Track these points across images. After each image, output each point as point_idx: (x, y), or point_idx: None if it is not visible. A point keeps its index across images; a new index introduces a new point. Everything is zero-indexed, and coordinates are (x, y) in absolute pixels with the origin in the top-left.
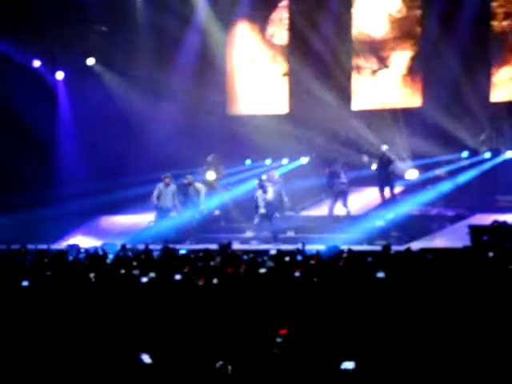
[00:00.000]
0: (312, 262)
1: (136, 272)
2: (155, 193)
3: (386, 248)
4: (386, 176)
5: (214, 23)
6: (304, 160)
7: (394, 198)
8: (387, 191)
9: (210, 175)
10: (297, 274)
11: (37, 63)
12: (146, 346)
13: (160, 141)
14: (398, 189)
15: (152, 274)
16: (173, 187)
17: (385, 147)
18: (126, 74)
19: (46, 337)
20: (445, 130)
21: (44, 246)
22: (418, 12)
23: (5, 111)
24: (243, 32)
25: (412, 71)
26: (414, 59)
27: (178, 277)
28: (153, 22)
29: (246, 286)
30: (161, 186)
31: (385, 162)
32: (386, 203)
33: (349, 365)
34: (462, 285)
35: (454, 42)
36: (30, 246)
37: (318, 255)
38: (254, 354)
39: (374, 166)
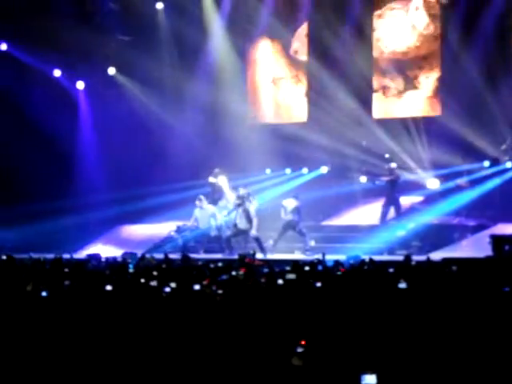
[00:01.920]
0: (338, 272)
1: (155, 282)
2: (191, 220)
3: (408, 258)
4: (391, 194)
5: (229, 46)
6: (324, 169)
7: (398, 216)
8: (391, 210)
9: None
10: (318, 284)
11: (58, 73)
12: (165, 355)
13: (181, 150)
14: (415, 199)
15: (173, 285)
16: (209, 208)
17: (393, 164)
18: (147, 83)
19: (65, 347)
20: (466, 140)
21: (65, 256)
22: (439, 24)
23: (26, 121)
24: (264, 47)
25: (436, 86)
26: (439, 76)
27: (197, 287)
28: (174, 31)
29: (267, 297)
30: (196, 211)
31: (393, 180)
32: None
33: (371, 379)
34: (485, 296)
35: (476, 52)
36: (50, 256)
37: (339, 265)
38: (273, 364)
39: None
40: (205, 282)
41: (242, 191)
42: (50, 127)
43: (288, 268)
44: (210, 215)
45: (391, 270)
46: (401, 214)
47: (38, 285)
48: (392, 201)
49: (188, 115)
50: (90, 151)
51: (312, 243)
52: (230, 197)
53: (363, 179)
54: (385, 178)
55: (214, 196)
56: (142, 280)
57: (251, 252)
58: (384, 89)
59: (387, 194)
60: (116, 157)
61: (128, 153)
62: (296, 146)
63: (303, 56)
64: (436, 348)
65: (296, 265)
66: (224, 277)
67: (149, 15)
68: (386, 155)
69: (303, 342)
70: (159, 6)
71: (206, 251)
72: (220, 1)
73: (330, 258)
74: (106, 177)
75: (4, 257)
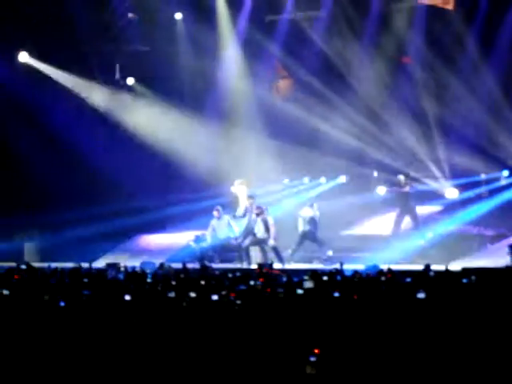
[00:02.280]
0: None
1: (173, 293)
2: (208, 231)
3: (427, 268)
4: (405, 205)
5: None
6: (343, 178)
7: (416, 226)
8: (405, 221)
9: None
10: (336, 294)
11: (76, 82)
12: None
13: (200, 159)
14: (434, 208)
15: (193, 294)
16: (226, 218)
17: (401, 177)
18: (165, 92)
19: (83, 357)
20: (485, 149)
21: (84, 265)
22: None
23: (48, 131)
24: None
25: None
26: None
27: (215, 297)
28: (193, 41)
29: (284, 307)
30: (213, 221)
31: (404, 192)
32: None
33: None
34: (505, 306)
35: (494, 62)
36: (70, 265)
37: (357, 275)
38: (288, 373)
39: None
40: (223, 292)
41: (248, 201)
42: (72, 137)
43: (306, 277)
44: (227, 225)
45: (409, 279)
46: (418, 223)
47: (56, 295)
48: (406, 211)
49: (206, 124)
50: (109, 161)
51: (330, 253)
52: (243, 206)
53: (381, 190)
54: (396, 190)
55: (235, 206)
56: (160, 290)
57: (269, 262)
58: None
59: (400, 205)
60: (135, 166)
61: (147, 162)
62: (314, 155)
63: None
64: (454, 358)
65: (314, 274)
66: (242, 287)
67: (167, 25)
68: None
69: (317, 351)
70: (178, 16)
71: (223, 261)
72: (236, 13)
73: (349, 267)
74: (125, 186)
75: (24, 266)
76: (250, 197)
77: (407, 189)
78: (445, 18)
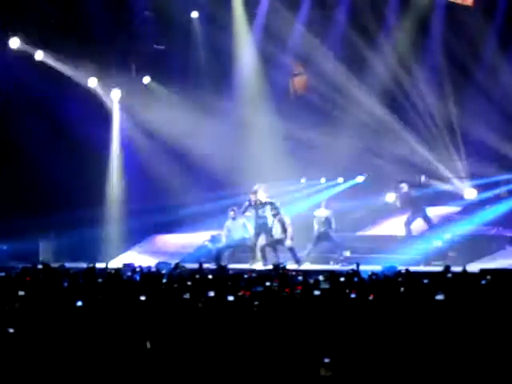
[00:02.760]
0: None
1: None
2: (224, 232)
3: (446, 269)
4: (415, 208)
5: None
6: (360, 179)
7: (430, 226)
8: (417, 222)
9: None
10: (353, 295)
11: (92, 81)
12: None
13: (216, 159)
14: (452, 209)
15: (211, 293)
16: (240, 219)
17: (403, 184)
18: (181, 91)
19: (99, 357)
20: (503, 149)
21: (100, 265)
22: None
23: (61, 130)
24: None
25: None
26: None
27: (231, 298)
28: (209, 40)
29: (301, 308)
30: (228, 222)
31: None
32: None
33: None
34: None
35: (509, 62)
36: (83, 265)
37: (374, 276)
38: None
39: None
40: (240, 293)
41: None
42: (85, 135)
43: (321, 277)
44: (242, 225)
45: (427, 281)
46: (432, 224)
47: (72, 294)
48: (416, 212)
49: (221, 123)
50: (125, 160)
51: (347, 253)
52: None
53: (390, 197)
54: (403, 196)
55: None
56: (175, 290)
57: (284, 263)
58: None
59: (410, 208)
60: (151, 166)
61: (163, 162)
62: (331, 155)
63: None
64: (471, 359)
65: (332, 275)
66: (259, 288)
67: (184, 24)
68: (423, 178)
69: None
70: (194, 14)
71: (239, 261)
72: (253, 12)
73: (366, 268)
74: (141, 186)
75: (40, 266)
76: (254, 192)
77: (412, 193)
78: (463, 16)
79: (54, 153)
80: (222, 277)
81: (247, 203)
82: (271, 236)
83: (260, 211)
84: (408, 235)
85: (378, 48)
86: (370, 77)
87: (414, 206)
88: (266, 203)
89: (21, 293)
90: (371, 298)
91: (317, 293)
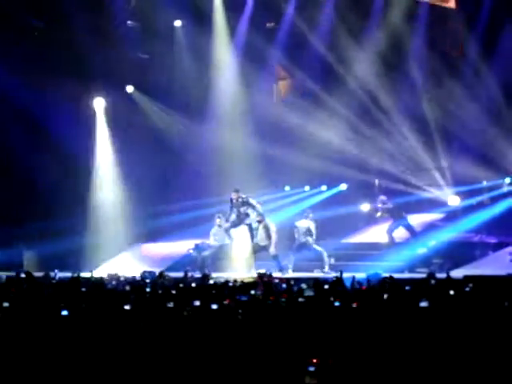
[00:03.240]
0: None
1: (172, 303)
2: (210, 239)
3: (430, 276)
4: (396, 218)
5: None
6: (343, 186)
7: (412, 233)
8: (399, 230)
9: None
10: (336, 303)
11: (76, 91)
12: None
13: (200, 167)
14: (435, 216)
15: (197, 303)
16: (226, 225)
17: (382, 197)
18: (165, 100)
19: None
20: (487, 156)
21: (84, 274)
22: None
23: (45, 138)
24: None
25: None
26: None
27: (214, 306)
28: (192, 49)
29: (286, 315)
30: (213, 229)
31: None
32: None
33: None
34: (506, 314)
35: (495, 67)
36: (68, 274)
37: (358, 283)
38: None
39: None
40: (225, 302)
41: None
42: (69, 144)
43: (305, 285)
44: (228, 233)
45: (410, 287)
46: (414, 231)
47: (56, 304)
48: (397, 220)
49: (206, 131)
50: (108, 168)
51: (332, 261)
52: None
53: (365, 207)
54: (381, 214)
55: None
56: (160, 299)
57: (269, 271)
58: None
59: (391, 217)
60: (134, 174)
61: (146, 170)
62: (314, 163)
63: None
64: (455, 365)
65: (316, 283)
66: (244, 297)
67: (167, 33)
68: (376, 181)
69: (315, 361)
70: (177, 23)
71: (224, 269)
72: (235, 20)
73: (350, 275)
74: (125, 194)
75: (23, 274)
76: (236, 190)
77: (390, 205)
78: (446, 18)
79: (38, 162)
80: (206, 285)
81: (230, 206)
82: (256, 243)
83: (242, 209)
84: (390, 242)
85: (360, 50)
86: (349, 84)
87: (395, 215)
88: (247, 202)
89: (5, 304)
90: (355, 305)
91: (301, 299)
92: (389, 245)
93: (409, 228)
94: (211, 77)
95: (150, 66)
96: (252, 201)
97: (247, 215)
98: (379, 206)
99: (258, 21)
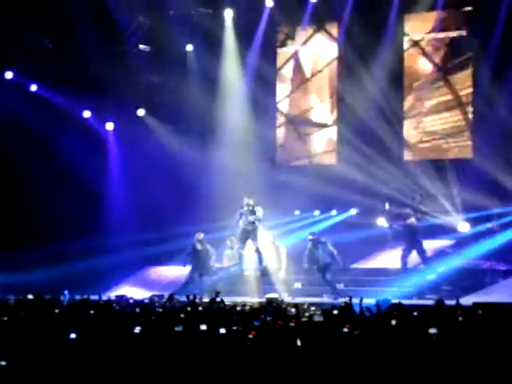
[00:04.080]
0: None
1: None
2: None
3: (439, 303)
4: (412, 238)
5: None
6: (353, 211)
7: (424, 260)
8: (413, 255)
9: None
10: (345, 329)
11: (87, 113)
12: None
13: (210, 191)
14: (445, 242)
15: (203, 327)
16: (237, 246)
17: (409, 210)
18: (176, 123)
19: None
20: (497, 183)
21: (93, 297)
22: (471, 66)
23: (56, 161)
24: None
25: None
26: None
27: (223, 330)
28: (204, 71)
29: (294, 340)
30: (226, 251)
31: (410, 225)
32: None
33: None
34: None
35: (507, 94)
36: (78, 296)
37: (367, 310)
38: None
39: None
40: (234, 328)
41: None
42: (80, 167)
43: (313, 308)
44: (241, 256)
45: (418, 313)
46: (426, 258)
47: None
48: (413, 245)
49: (216, 155)
50: (119, 192)
51: (341, 286)
52: None
53: (381, 222)
54: (401, 223)
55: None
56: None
57: (278, 295)
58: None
59: (407, 239)
60: (145, 197)
61: (157, 193)
62: (325, 188)
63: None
64: None
65: (326, 308)
66: (256, 323)
67: (179, 56)
68: (386, 205)
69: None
70: (189, 47)
71: (234, 293)
72: (247, 45)
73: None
74: (135, 218)
75: (31, 296)
76: (249, 195)
77: (413, 221)
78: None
79: (49, 185)
80: (215, 310)
81: (240, 212)
82: (265, 266)
83: (250, 217)
84: (402, 268)
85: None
86: (361, 111)
87: (412, 235)
88: (256, 209)
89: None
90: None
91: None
92: (400, 271)
93: (422, 254)
94: (221, 100)
95: (162, 90)
96: (259, 210)
97: (253, 224)
98: (387, 211)
99: (269, 45)
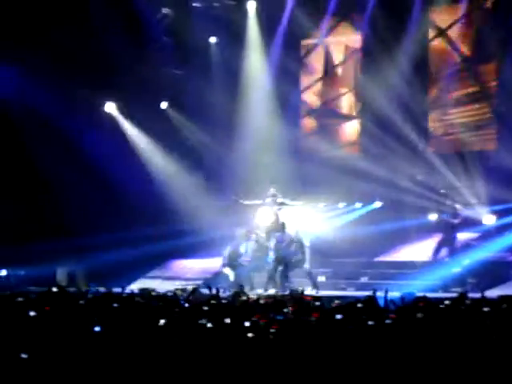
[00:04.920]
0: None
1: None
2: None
3: (463, 296)
4: (450, 233)
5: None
6: (378, 204)
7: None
8: (445, 249)
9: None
10: (370, 322)
11: (110, 106)
12: None
13: (234, 183)
14: (470, 235)
15: (227, 320)
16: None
17: (458, 206)
18: (199, 116)
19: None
20: None
21: (117, 289)
22: (495, 57)
23: (77, 154)
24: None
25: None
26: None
27: (247, 324)
28: (227, 64)
29: (317, 335)
30: (250, 244)
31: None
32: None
33: None
34: None
35: None
36: (102, 289)
37: (391, 303)
38: None
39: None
40: (255, 318)
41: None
42: (103, 160)
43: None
44: (266, 248)
45: (444, 307)
46: (454, 251)
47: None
48: (449, 240)
49: (240, 147)
50: (142, 185)
51: (366, 279)
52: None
53: (433, 217)
54: (453, 220)
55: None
56: (192, 315)
57: (300, 288)
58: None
59: (445, 232)
60: (166, 190)
61: (180, 186)
62: (349, 179)
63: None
64: None
65: (350, 302)
66: (279, 317)
67: (202, 49)
68: (442, 190)
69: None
70: (212, 39)
71: (257, 287)
72: (270, 38)
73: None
74: (158, 210)
75: (55, 289)
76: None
77: (458, 221)
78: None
79: (71, 177)
80: (239, 303)
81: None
82: (289, 258)
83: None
84: (432, 261)
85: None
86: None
87: (451, 231)
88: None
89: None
90: (389, 321)
91: (338, 317)
92: (425, 264)
93: (452, 249)
94: (245, 93)
95: (185, 83)
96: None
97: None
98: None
99: (293, 36)
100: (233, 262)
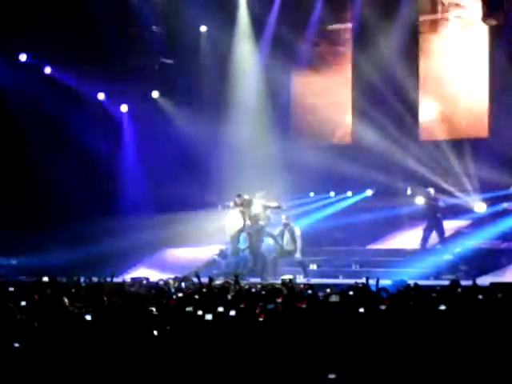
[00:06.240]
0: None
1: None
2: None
3: (455, 283)
4: (433, 218)
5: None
6: (369, 192)
7: (442, 240)
8: (433, 235)
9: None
10: (361, 309)
11: (101, 96)
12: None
13: (225, 173)
14: (462, 223)
15: (220, 309)
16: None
17: (431, 190)
18: (190, 105)
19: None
20: None
21: (107, 279)
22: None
23: (70, 143)
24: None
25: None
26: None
27: (232, 313)
28: (217, 54)
29: (309, 321)
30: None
31: (433, 205)
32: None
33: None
34: None
35: None
36: (94, 279)
37: (383, 290)
38: None
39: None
40: (242, 306)
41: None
42: (95, 149)
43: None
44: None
45: (435, 294)
46: (444, 238)
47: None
48: (434, 225)
49: (231, 135)
50: (133, 173)
51: (357, 267)
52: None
53: (419, 200)
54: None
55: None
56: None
57: (291, 276)
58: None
59: (428, 218)
60: (159, 179)
61: (171, 175)
62: (340, 168)
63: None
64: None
65: (342, 289)
66: (271, 306)
67: (192, 38)
68: (408, 191)
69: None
70: (202, 28)
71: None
72: (261, 27)
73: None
74: (151, 199)
75: (46, 278)
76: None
77: (439, 203)
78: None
79: (64, 167)
80: (230, 292)
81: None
82: (281, 248)
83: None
84: (421, 248)
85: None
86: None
87: (434, 215)
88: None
89: (23, 303)
90: (383, 307)
91: (333, 299)
92: (417, 251)
93: (442, 234)
94: (235, 81)
95: (175, 71)
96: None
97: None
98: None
99: (284, 24)
100: (223, 250)
